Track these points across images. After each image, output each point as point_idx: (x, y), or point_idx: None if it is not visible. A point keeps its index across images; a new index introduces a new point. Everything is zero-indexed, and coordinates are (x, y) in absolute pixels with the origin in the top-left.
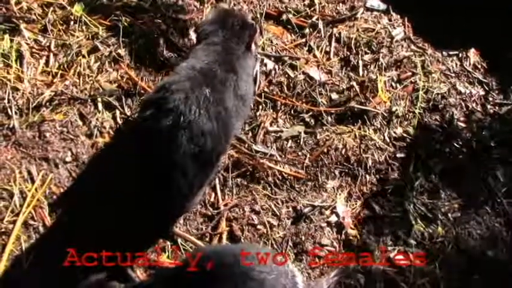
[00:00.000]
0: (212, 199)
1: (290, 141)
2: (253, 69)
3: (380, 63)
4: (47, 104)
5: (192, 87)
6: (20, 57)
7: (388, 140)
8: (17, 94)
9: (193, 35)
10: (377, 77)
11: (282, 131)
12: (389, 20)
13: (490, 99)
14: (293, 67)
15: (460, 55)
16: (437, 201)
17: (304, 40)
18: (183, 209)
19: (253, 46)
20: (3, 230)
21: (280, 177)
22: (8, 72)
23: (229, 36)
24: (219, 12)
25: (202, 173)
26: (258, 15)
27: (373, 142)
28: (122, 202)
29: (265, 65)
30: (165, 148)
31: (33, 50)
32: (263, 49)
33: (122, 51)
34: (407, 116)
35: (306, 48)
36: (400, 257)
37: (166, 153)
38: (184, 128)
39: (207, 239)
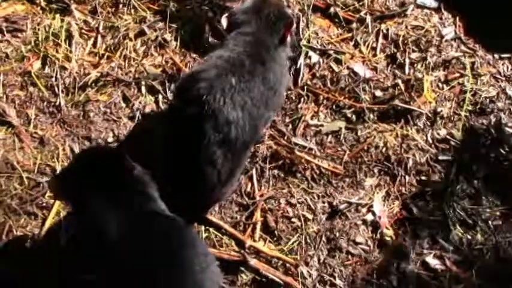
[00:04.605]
0: (248, 189)
1: (330, 136)
2: (287, 59)
3: (427, 62)
4: (93, 84)
5: (218, 76)
6: (69, 37)
7: (430, 141)
8: (65, 73)
9: (223, 22)
10: (423, 76)
11: (322, 125)
12: (440, 18)
13: None
14: (338, 61)
15: None
16: (478, 208)
17: (350, 35)
18: (214, 197)
19: (288, 38)
20: (44, 204)
21: (317, 171)
22: (57, 51)
23: (263, 27)
24: (256, 3)
25: (230, 162)
26: (305, 7)
27: (415, 142)
28: (159, 185)
29: (310, 58)
30: (191, 136)
31: (82, 30)
32: (308, 42)
33: (168, 36)
34: (452, 118)
35: (352, 43)
36: (436, 261)
37: (192, 142)
38: (208, 116)
39: (241, 228)
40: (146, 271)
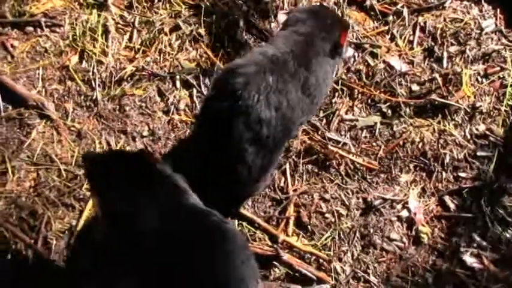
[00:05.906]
0: (282, 183)
1: (365, 131)
2: (334, 70)
3: (466, 55)
4: (128, 78)
5: (256, 73)
6: (105, 32)
7: (468, 137)
8: (101, 67)
9: (281, 17)
10: (462, 70)
11: (357, 120)
12: (480, 10)
13: None
14: (373, 55)
15: None
16: None
17: (387, 28)
18: (245, 192)
19: (344, 46)
20: (81, 196)
21: (352, 166)
22: (94, 46)
23: (318, 29)
24: (316, 5)
25: (262, 159)
26: (341, 0)
27: (453, 138)
28: (193, 178)
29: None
30: (223, 131)
31: (119, 25)
32: None
33: (202, 31)
34: (491, 113)
35: (388, 36)
36: (473, 259)
37: (224, 136)
38: (240, 112)
39: (274, 223)
40: (185, 264)
